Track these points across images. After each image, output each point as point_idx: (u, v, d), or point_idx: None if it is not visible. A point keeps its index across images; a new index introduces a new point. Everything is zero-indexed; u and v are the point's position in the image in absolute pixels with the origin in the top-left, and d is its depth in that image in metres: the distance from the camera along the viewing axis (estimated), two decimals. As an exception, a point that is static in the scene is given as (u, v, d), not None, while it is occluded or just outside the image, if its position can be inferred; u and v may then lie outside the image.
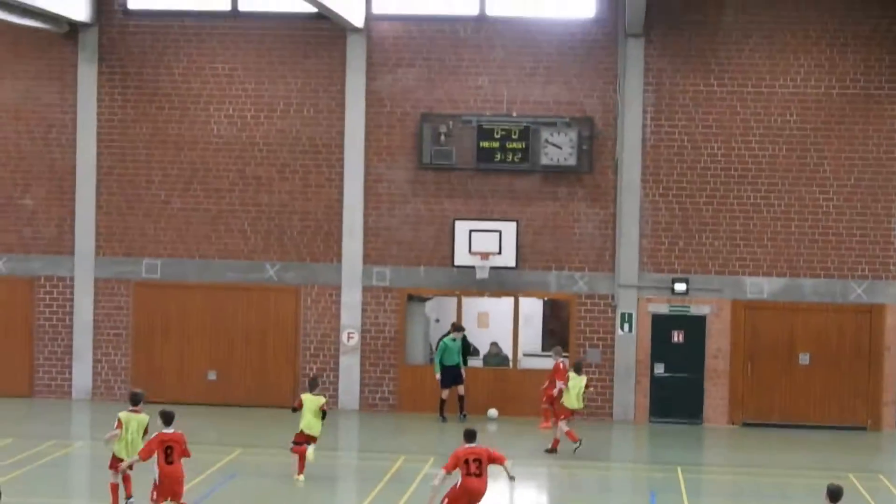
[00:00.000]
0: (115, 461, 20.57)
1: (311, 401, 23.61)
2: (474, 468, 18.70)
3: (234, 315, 31.82)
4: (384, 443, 28.01)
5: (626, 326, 30.70)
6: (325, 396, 24.22)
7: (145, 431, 20.33)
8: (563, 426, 26.51)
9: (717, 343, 30.56)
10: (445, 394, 30.17)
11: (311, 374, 29.07)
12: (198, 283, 31.83)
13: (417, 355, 31.99)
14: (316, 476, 24.58)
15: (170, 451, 19.19)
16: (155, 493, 19.16)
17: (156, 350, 32.02)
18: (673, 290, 30.52)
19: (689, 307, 30.62)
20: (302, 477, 23.46)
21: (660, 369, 30.74)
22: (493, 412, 30.19)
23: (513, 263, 30.39)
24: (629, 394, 30.69)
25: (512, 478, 19.26)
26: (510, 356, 31.82)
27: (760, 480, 24.78)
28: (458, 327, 30.64)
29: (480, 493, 18.72)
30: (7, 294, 32.27)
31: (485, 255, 30.26)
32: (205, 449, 26.11)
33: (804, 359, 30.32)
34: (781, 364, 30.35)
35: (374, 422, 30.36)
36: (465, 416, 30.00)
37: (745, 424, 30.43)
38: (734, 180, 30.40)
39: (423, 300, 32.53)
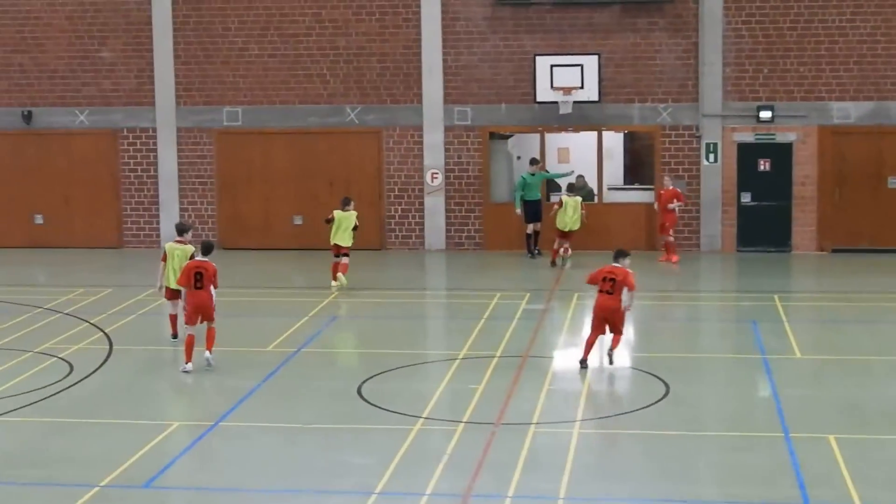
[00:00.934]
0: (168, 292, 21.53)
1: (343, 217, 25.93)
2: (608, 286, 19.52)
3: (316, 160, 31.91)
4: (478, 281, 28.17)
5: (712, 157, 30.54)
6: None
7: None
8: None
9: (805, 170, 30.37)
10: (530, 228, 30.21)
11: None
12: (279, 129, 31.87)
13: (502, 193, 32.01)
14: (418, 315, 25.01)
15: (199, 278, 19.89)
16: (185, 316, 20.35)
17: (240, 197, 32.22)
18: (758, 117, 30.27)
19: (774, 135, 30.38)
20: (338, 282, 25.96)
21: (746, 198, 30.63)
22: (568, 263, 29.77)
23: (596, 97, 30.16)
24: (716, 224, 30.66)
25: (626, 308, 19.61)
26: (594, 190, 31.77)
27: (856, 305, 24.82)
28: (534, 160, 30.58)
29: (607, 310, 19.61)
30: (91, 147, 32.50)
31: (567, 90, 30.03)
32: (298, 293, 26.50)
33: (893, 182, 30.10)
34: (869, 189, 30.17)
35: (463, 260, 30.53)
36: (538, 251, 30.09)
37: (835, 251, 30.36)
38: (818, 4, 29.91)
39: (505, 137, 32.45)
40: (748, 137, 30.48)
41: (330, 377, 19.81)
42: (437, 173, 31.39)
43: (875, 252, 29.95)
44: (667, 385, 18.91)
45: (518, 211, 29.99)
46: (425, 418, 17.45)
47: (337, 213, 26.27)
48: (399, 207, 31.69)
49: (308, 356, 21.12)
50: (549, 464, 15.50)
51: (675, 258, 29.04)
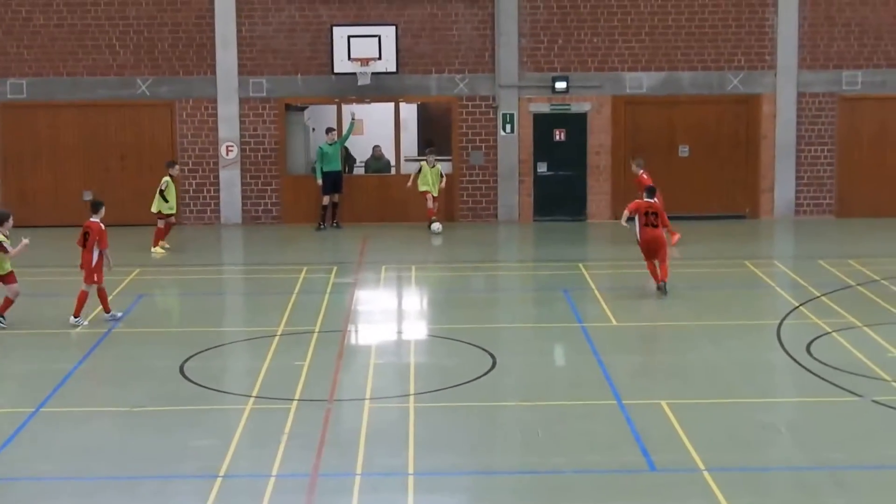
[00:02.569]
0: None
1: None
2: (652, 219, 22.54)
3: (106, 133, 30.99)
4: (283, 255, 27.78)
5: (508, 127, 30.75)
6: None
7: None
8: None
9: (599, 139, 30.87)
10: (326, 200, 29.96)
11: None
12: (67, 101, 30.80)
13: (298, 165, 31.64)
14: (228, 291, 24.59)
15: (86, 237, 21.05)
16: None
17: (26, 173, 31.07)
18: (553, 88, 30.61)
19: (569, 105, 30.78)
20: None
21: (542, 168, 30.97)
22: (437, 226, 29.53)
23: (394, 68, 30.01)
24: (513, 194, 30.90)
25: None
26: (392, 161, 31.69)
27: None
28: (330, 129, 30.33)
29: (654, 240, 22.60)
30: None
31: (365, 61, 29.81)
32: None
33: (684, 151, 30.84)
34: (662, 157, 30.78)
35: (262, 234, 30.08)
36: (337, 224, 29.92)
37: (629, 219, 30.82)
38: (611, -25, 30.38)
39: (301, 109, 32.06)
40: (544, 108, 30.80)
41: (149, 357, 19.22)
42: (231, 146, 30.82)
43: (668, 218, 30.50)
44: (493, 356, 18.94)
45: (319, 182, 29.69)
46: (256, 397, 17.09)
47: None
48: (194, 181, 31.02)
49: (121, 335, 20.47)
50: (392, 439, 15.37)
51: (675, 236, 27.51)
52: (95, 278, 20.94)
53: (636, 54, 30.57)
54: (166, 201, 27.45)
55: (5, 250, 20.28)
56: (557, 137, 30.92)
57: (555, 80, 30.51)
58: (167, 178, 27.54)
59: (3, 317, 20.70)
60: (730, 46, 30.52)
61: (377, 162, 31.91)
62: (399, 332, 21.03)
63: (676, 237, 27.14)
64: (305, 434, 15.50)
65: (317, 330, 20.66)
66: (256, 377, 17.97)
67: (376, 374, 18.26)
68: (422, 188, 29.56)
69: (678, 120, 30.86)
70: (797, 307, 21.97)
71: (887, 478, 14.11)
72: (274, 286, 24.36)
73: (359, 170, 32.32)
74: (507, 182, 30.86)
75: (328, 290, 23.66)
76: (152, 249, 27.33)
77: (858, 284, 23.72)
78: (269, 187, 31.06)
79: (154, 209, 27.51)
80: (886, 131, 30.91)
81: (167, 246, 27.55)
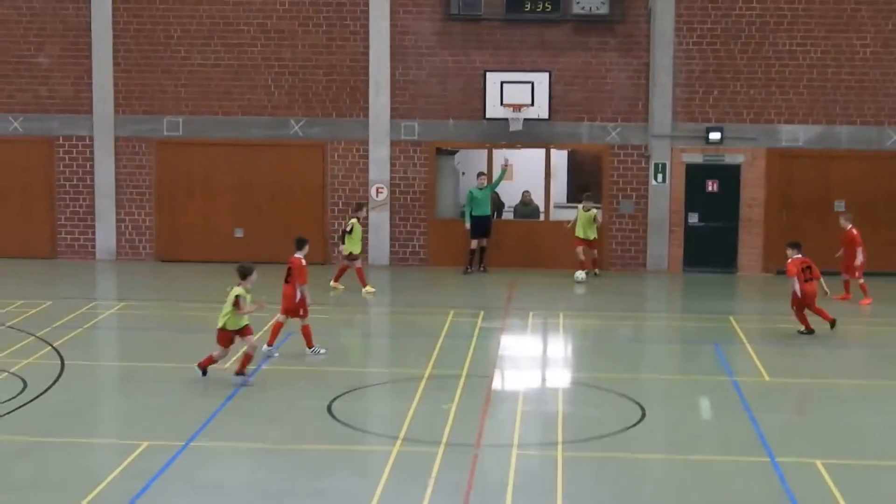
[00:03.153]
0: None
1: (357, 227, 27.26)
2: (807, 275, 23.26)
3: (258, 172, 31.34)
4: (428, 297, 27.73)
5: (660, 177, 30.45)
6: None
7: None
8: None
9: (752, 192, 30.41)
10: (474, 244, 29.92)
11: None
12: (221, 139, 31.25)
13: (447, 209, 31.67)
14: (378, 333, 24.64)
15: (289, 273, 21.58)
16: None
17: (179, 209, 31.56)
18: (707, 139, 30.26)
19: (723, 156, 30.39)
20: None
21: (694, 219, 30.60)
22: (580, 275, 29.17)
23: (546, 115, 29.93)
24: (663, 244, 30.55)
25: (826, 293, 23.77)
26: (541, 207, 31.57)
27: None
28: (481, 174, 30.32)
29: (812, 295, 23.46)
30: (26, 155, 31.65)
31: (517, 107, 29.79)
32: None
33: (839, 206, 30.20)
34: (816, 212, 30.24)
35: (409, 275, 30.11)
36: (484, 269, 29.85)
37: (780, 272, 30.30)
38: (769, 27, 29.99)
39: (452, 153, 32.12)
40: (697, 158, 30.44)
41: (297, 396, 19.25)
42: (382, 188, 30.96)
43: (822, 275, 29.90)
44: (642, 407, 18.63)
45: (467, 226, 29.68)
46: (403, 439, 16.99)
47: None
48: (343, 222, 31.14)
49: (269, 373, 20.54)
50: (540, 488, 15.15)
51: (866, 300, 27.14)
52: (301, 313, 21.40)
53: (793, 107, 30.09)
54: (343, 243, 27.59)
55: (240, 306, 19.60)
56: (710, 188, 30.53)
57: (709, 130, 30.17)
58: (354, 221, 27.70)
59: (244, 374, 19.67)
60: (891, 101, 29.92)
61: (526, 207, 31.80)
62: (546, 379, 20.82)
63: (867, 301, 26.97)
64: (452, 480, 15.35)
65: (464, 374, 20.54)
66: (403, 419, 17.88)
67: (524, 420, 18.05)
68: (582, 235, 29.34)
69: (834, 175, 30.28)
70: (957, 371, 21.28)
71: None
72: (421, 328, 24.31)
73: (507, 215, 32.21)
74: (657, 232, 30.54)
75: (475, 335, 23.55)
76: (364, 290, 27.42)
77: None
78: (417, 230, 31.13)
79: (346, 251, 27.50)
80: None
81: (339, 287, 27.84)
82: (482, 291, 28.22)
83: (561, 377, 20.86)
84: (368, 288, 27.38)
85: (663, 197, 30.50)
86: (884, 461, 16.52)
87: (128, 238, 31.54)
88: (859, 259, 26.68)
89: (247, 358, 19.74)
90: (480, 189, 29.91)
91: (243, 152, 31.24)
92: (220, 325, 19.66)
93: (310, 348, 21.53)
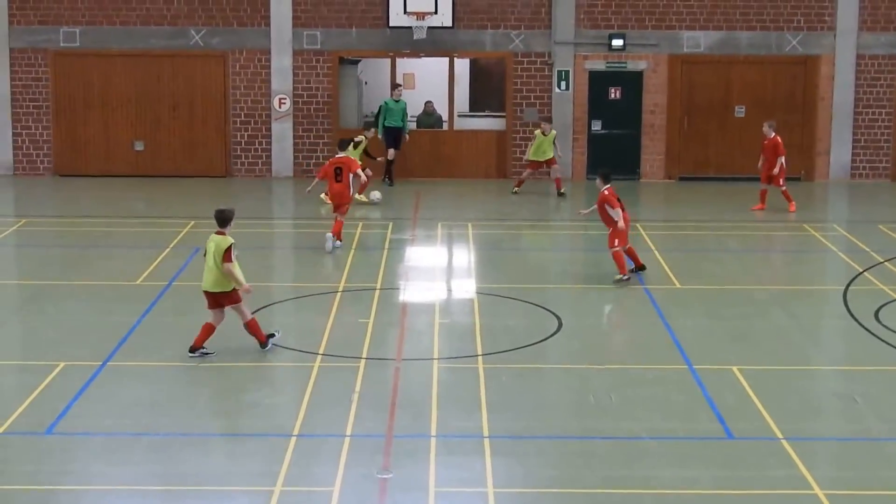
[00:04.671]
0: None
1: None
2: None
3: (158, 84, 30.84)
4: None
5: (563, 84, 30.47)
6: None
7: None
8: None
9: (654, 98, 30.59)
10: (391, 154, 29.73)
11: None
12: (119, 50, 30.63)
13: (351, 119, 31.45)
14: (289, 246, 24.53)
15: (338, 172, 22.62)
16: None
17: (78, 122, 30.97)
18: (610, 45, 30.29)
19: (626, 63, 30.46)
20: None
21: (597, 126, 30.71)
22: (376, 195, 28.10)
23: (449, 23, 29.75)
24: (567, 152, 30.61)
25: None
26: (444, 117, 31.47)
27: (718, 234, 25.15)
28: (397, 86, 30.10)
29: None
30: (-84, 68, 30.75)
31: (420, 15, 29.56)
32: (149, 223, 25.58)
33: (740, 112, 30.50)
34: (717, 118, 30.53)
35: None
36: (390, 181, 29.67)
37: (682, 178, 30.71)
38: (671, -67, 30.02)
39: (355, 63, 31.83)
40: (599, 65, 30.52)
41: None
42: (284, 99, 30.62)
43: (720, 180, 30.33)
44: (558, 317, 18.78)
45: (380, 136, 29.45)
46: (324, 354, 16.98)
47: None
48: (245, 134, 30.86)
49: (182, 288, 20.36)
50: (463, 401, 15.26)
51: (791, 207, 26.99)
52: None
53: (694, 13, 30.21)
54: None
55: (230, 260, 16.38)
56: (613, 95, 30.63)
57: (611, 37, 30.21)
58: (362, 136, 27.88)
59: (202, 348, 16.82)
60: (789, 7, 30.14)
61: (429, 117, 31.68)
62: (460, 291, 20.88)
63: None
64: (376, 394, 15.39)
65: (378, 287, 20.53)
66: (322, 335, 17.85)
67: (441, 333, 18.13)
68: (536, 158, 28.63)
69: (735, 80, 30.53)
70: (861, 272, 21.73)
71: (970, 451, 13.94)
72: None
73: (411, 125, 32.06)
74: (561, 140, 30.51)
75: (385, 247, 23.52)
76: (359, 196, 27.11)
77: (921, 250, 23.45)
78: (321, 141, 30.89)
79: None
80: (949, 93, 30.56)
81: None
82: (389, 202, 28.10)
83: (475, 288, 20.92)
84: (362, 197, 27.38)
85: (567, 105, 30.56)
86: (797, 364, 16.86)
87: (25, 153, 30.93)
88: (779, 167, 26.76)
89: (252, 328, 16.98)
90: (396, 101, 29.67)
91: (142, 63, 30.70)
92: (205, 287, 16.75)
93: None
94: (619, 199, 20.83)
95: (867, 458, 13.72)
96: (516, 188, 28.68)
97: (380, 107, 29.88)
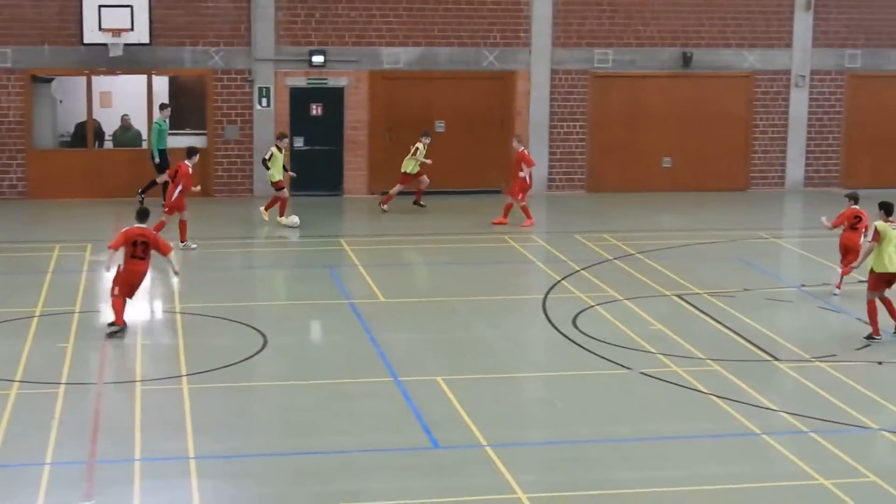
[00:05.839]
0: None
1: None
2: (140, 251, 18.64)
3: None
4: (28, 232, 26.72)
5: (265, 101, 30.34)
6: None
7: None
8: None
9: (356, 114, 30.74)
10: (161, 179, 28.94)
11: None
12: None
13: (45, 139, 30.54)
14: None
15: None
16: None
17: None
18: (310, 62, 30.30)
19: (326, 79, 30.54)
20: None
21: (299, 143, 30.68)
22: (295, 219, 27.37)
23: (146, 39, 29.22)
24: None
25: (176, 273, 19.59)
26: (143, 134, 30.86)
27: (424, 248, 25.45)
28: (164, 105, 29.25)
29: (142, 276, 19.02)
30: None
31: (116, 32, 28.94)
32: None
33: (440, 127, 30.94)
34: (418, 133, 30.78)
35: (7, 212, 28.84)
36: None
37: (384, 193, 30.90)
38: (372, -49, 30.27)
39: (48, 81, 30.91)
40: (300, 82, 30.49)
41: None
42: (-26, 118, 29.53)
43: (426, 193, 30.64)
44: (263, 335, 18.65)
45: (157, 160, 28.60)
46: (21, 381, 16.39)
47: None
48: (-66, 156, 29.62)
49: None
50: (168, 422, 14.98)
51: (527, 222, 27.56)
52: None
53: (394, 29, 30.51)
54: (268, 169, 27.04)
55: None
56: (314, 112, 30.66)
57: (312, 53, 30.23)
58: (273, 149, 27.14)
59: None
60: (486, 23, 30.75)
61: (126, 132, 30.96)
62: (162, 311, 20.51)
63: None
64: (77, 420, 14.96)
65: (77, 310, 19.98)
66: (19, 361, 17.24)
67: (145, 354, 17.77)
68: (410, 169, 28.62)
69: (435, 96, 30.96)
70: (559, 281, 22.33)
71: (668, 449, 14.44)
72: (26, 265, 23.44)
73: (108, 144, 31.30)
74: (262, 156, 30.34)
75: (84, 269, 22.91)
76: (278, 219, 27.05)
77: (615, 258, 24.24)
78: (14, 162, 29.85)
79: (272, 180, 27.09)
80: (636, 108, 31.67)
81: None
82: (84, 224, 27.30)
83: (178, 308, 20.55)
84: (283, 219, 27.06)
85: (268, 121, 30.41)
86: (500, 373, 17.18)
87: None
88: (524, 179, 27.30)
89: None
90: (165, 121, 28.95)
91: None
92: None
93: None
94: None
95: (571, 461, 14.07)
96: (418, 201, 29.11)
97: (154, 129, 28.85)
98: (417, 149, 28.43)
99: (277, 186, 27.01)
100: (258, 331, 18.87)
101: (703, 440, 14.71)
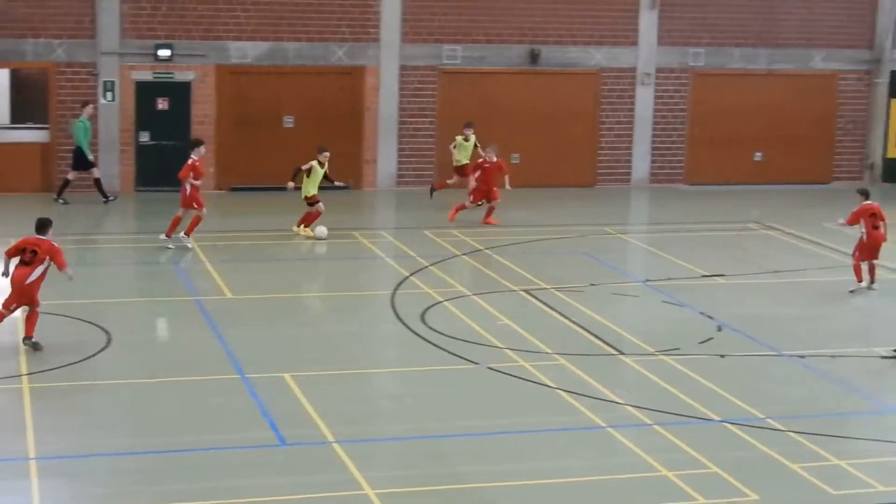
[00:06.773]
0: None
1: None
2: (27, 257, 17.80)
3: None
4: None
5: (109, 95, 29.84)
6: None
7: None
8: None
9: (204, 109, 30.40)
10: (97, 172, 28.81)
11: None
12: None
13: None
14: None
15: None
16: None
17: None
18: (156, 56, 29.88)
19: (173, 73, 30.14)
20: None
21: (145, 137, 30.25)
22: (322, 230, 26.21)
23: (-16, 33, 28.58)
24: (115, 164, 30.00)
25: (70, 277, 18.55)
26: (-14, 130, 30.22)
27: (270, 244, 25.26)
28: (87, 102, 28.85)
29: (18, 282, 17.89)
30: None
31: (-46, 23, 28.24)
32: None
33: (288, 122, 30.76)
34: (268, 128, 30.65)
35: None
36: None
37: (233, 188, 30.68)
38: (218, -58, 29.94)
39: None
40: (146, 76, 30.04)
41: None
42: None
43: (273, 189, 30.42)
44: (107, 332, 18.33)
45: (91, 157, 28.25)
46: None
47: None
48: None
49: None
50: (8, 423, 14.63)
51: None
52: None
53: (241, 24, 30.23)
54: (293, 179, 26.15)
55: None
56: (160, 106, 30.25)
57: (158, 47, 29.80)
58: (314, 163, 25.89)
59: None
60: (335, 18, 30.63)
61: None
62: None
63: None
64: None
65: None
66: None
67: (-16, 354, 17.35)
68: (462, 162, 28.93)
69: (284, 91, 30.75)
70: (408, 277, 22.33)
71: (517, 443, 14.51)
72: None
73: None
74: (108, 152, 29.92)
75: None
76: (298, 229, 25.97)
77: (464, 254, 24.33)
78: None
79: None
80: (485, 105, 31.79)
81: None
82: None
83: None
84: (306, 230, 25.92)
85: (113, 116, 29.92)
86: (348, 369, 17.12)
87: None
88: (471, 184, 27.49)
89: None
90: (89, 118, 28.32)
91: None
92: None
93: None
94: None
95: (421, 455, 14.08)
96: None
97: (80, 126, 28.19)
98: (457, 142, 29.09)
99: (312, 201, 25.82)
100: (102, 328, 18.53)
101: (550, 434, 14.82)
